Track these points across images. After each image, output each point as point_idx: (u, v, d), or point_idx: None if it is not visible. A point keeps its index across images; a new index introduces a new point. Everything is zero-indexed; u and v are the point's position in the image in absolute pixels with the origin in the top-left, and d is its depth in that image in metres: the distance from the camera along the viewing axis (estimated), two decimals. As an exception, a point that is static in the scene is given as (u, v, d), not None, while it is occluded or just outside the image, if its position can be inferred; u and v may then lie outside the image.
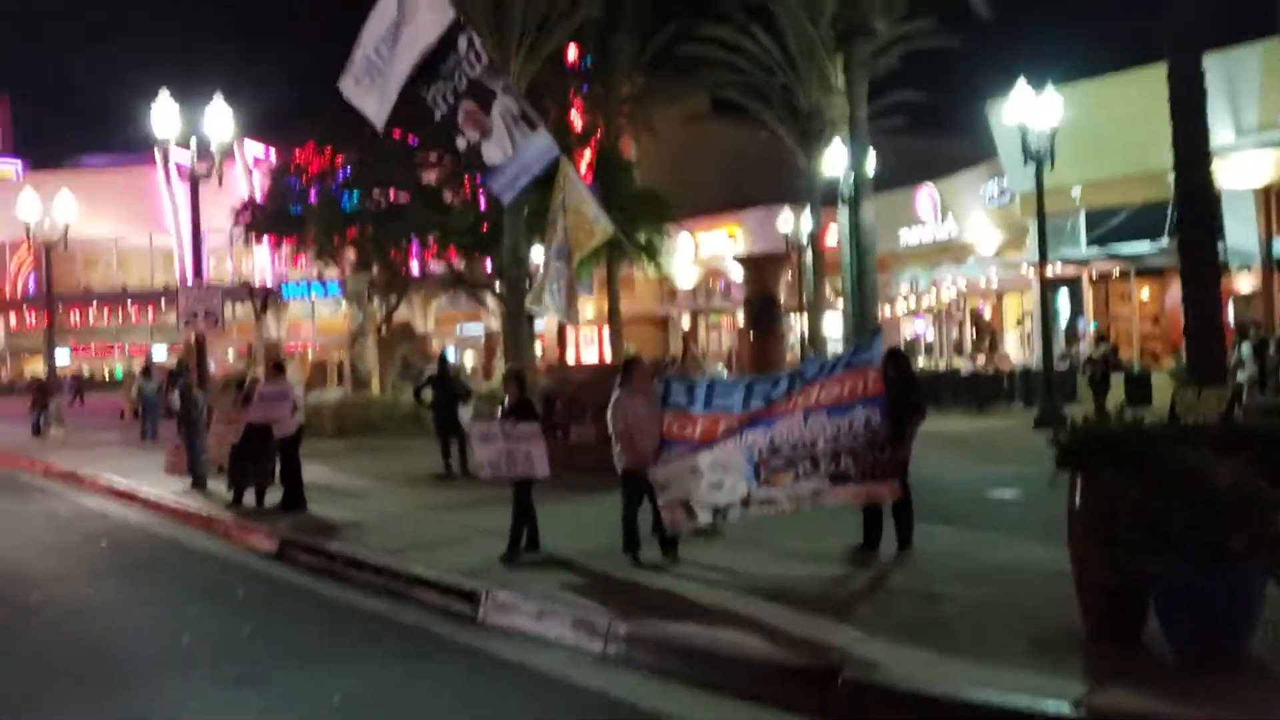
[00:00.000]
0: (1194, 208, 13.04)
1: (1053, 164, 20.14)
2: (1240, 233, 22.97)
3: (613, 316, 37.75)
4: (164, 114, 16.54)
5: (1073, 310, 27.61)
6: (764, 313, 15.55)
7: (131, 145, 48.37)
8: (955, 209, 35.71)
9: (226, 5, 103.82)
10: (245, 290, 38.05)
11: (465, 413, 14.45)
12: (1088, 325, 27.70)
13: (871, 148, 25.42)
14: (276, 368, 12.67)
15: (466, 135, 9.47)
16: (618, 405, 8.84)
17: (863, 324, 23.44)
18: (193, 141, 16.82)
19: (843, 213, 27.15)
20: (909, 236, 38.00)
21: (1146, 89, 24.49)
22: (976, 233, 34.60)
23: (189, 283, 16.37)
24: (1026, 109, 20.00)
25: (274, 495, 12.40)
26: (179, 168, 55.43)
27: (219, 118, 16.83)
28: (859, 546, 8.67)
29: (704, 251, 46.47)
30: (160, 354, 53.53)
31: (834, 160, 27.16)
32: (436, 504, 12.03)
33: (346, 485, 14.29)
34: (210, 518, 12.40)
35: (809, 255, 33.31)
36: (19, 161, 59.64)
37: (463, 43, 9.66)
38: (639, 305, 50.70)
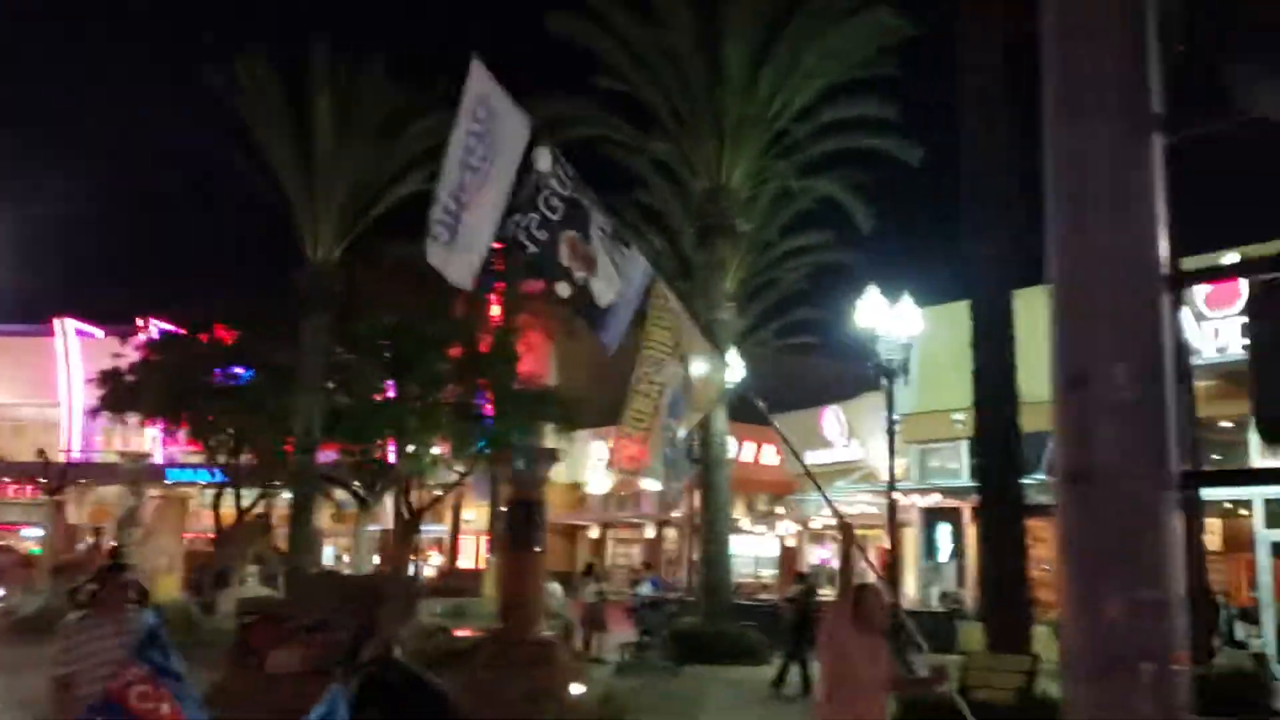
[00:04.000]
0: (993, 445, 11.23)
1: (906, 381, 18.36)
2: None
3: (494, 522, 35.30)
4: None
5: (955, 546, 25.25)
6: (521, 522, 13.06)
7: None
8: (860, 432, 33.92)
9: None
10: (43, 466, 34.67)
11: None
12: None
13: (738, 357, 23.70)
14: None
15: (574, 276, 7.14)
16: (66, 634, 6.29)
17: (709, 544, 21.14)
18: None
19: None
20: (815, 458, 36.08)
21: (1030, 312, 23.20)
22: (880, 457, 32.62)
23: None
24: (878, 318, 18.29)
25: None
26: (80, 336, 53.89)
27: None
28: None
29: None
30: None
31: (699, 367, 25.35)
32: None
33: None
34: None
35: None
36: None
37: (545, 159, 7.12)
38: (549, 512, 47.99)
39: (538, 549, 13.06)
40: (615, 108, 22.49)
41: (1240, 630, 18.50)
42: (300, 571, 19.42)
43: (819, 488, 9.09)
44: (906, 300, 18.51)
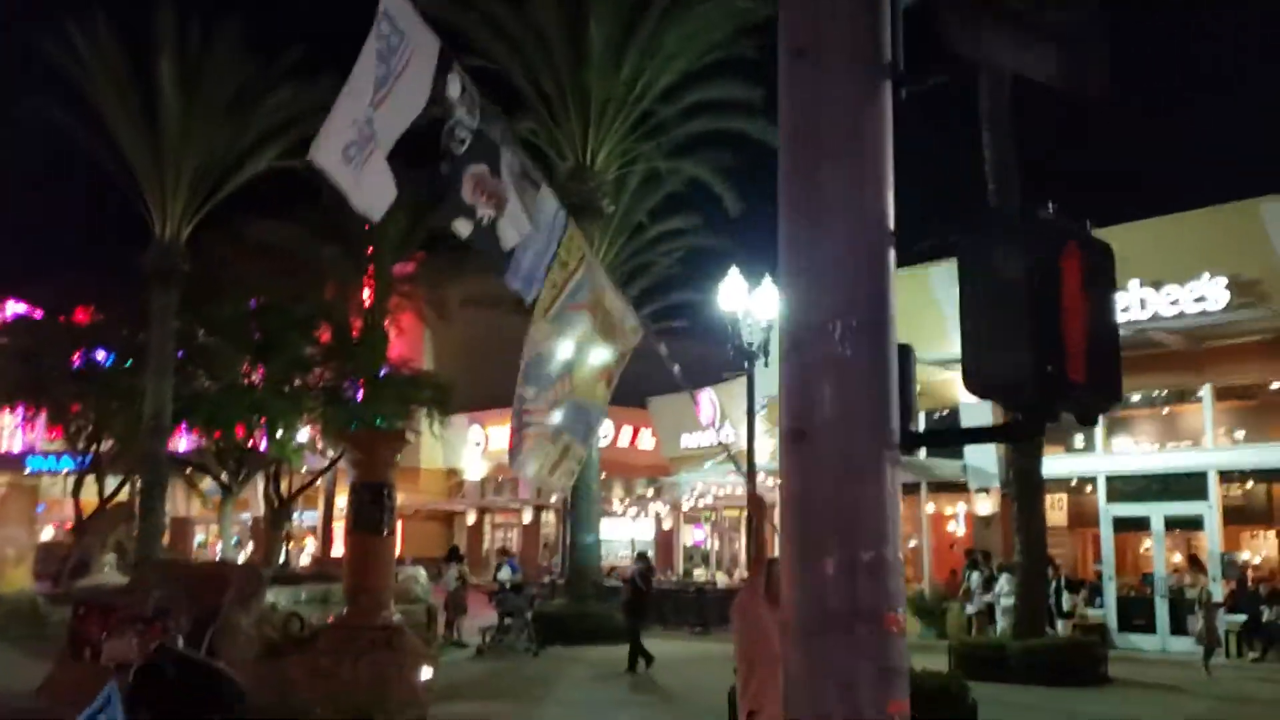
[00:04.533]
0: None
1: (765, 363, 18.52)
2: (979, 451, 21.46)
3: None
4: None
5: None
6: (367, 505, 12.74)
7: None
8: (732, 415, 34.22)
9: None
10: None
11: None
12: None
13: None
14: None
15: (480, 214, 5.83)
16: None
17: (575, 528, 21.20)
18: None
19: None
20: (689, 440, 36.37)
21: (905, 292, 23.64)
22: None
23: None
24: (740, 301, 18.38)
25: None
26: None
27: None
28: None
29: (494, 444, 44.02)
30: None
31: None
32: None
33: None
34: None
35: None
36: None
37: (454, 86, 5.97)
38: (423, 498, 47.44)
39: (385, 532, 12.75)
40: (481, 85, 22.11)
41: (1066, 600, 19.24)
42: (145, 559, 18.73)
43: (734, 462, 9.00)
44: (767, 283, 18.65)
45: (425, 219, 32.58)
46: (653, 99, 21.29)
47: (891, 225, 2.81)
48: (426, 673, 12.38)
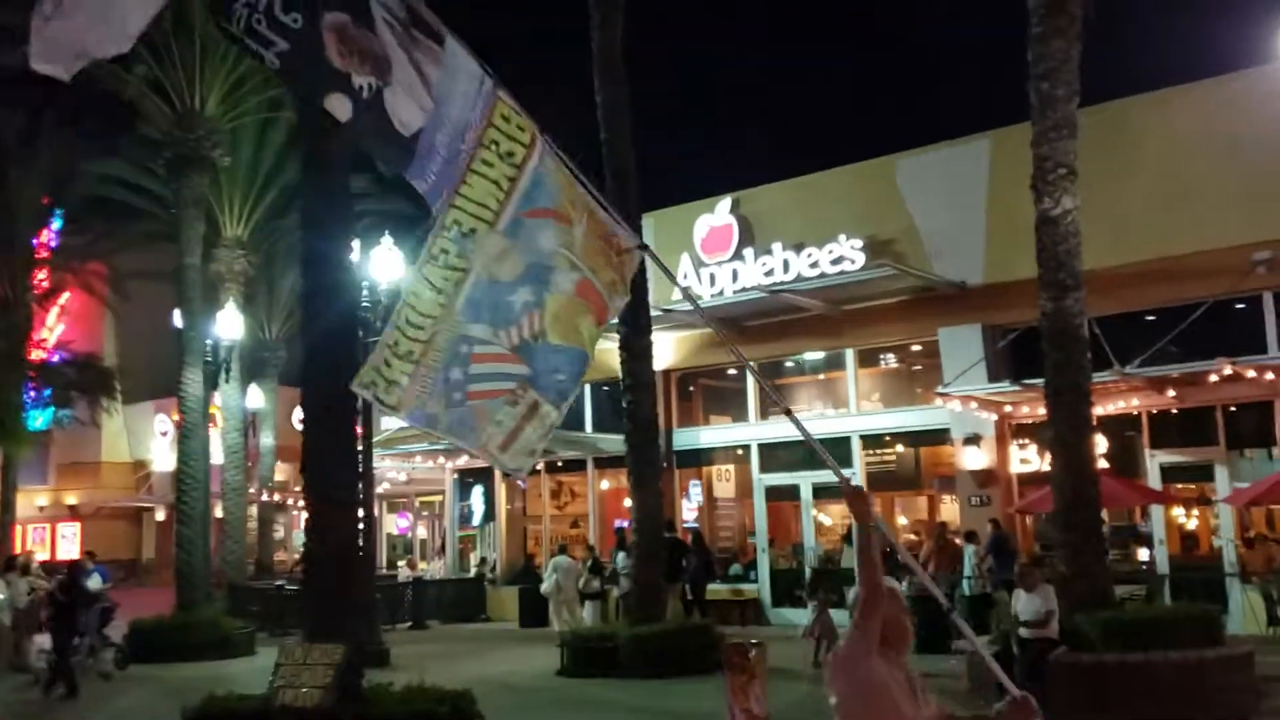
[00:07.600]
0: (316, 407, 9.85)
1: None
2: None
3: (6, 508, 30.77)
4: None
5: (488, 508, 23.98)
6: None
7: None
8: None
9: None
10: None
11: None
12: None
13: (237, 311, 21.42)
14: None
15: (355, 84, 4.28)
16: None
17: (181, 524, 18.77)
18: None
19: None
20: (390, 423, 34.14)
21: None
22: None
23: None
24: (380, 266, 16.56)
25: None
26: None
27: None
28: None
29: (188, 434, 40.47)
30: None
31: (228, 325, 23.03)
32: None
33: None
34: None
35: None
36: None
37: None
38: (107, 494, 43.18)
39: None
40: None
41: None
42: None
43: (813, 442, 6.84)
44: (387, 241, 16.99)
45: (69, 184, 29.01)
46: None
47: None
48: None
